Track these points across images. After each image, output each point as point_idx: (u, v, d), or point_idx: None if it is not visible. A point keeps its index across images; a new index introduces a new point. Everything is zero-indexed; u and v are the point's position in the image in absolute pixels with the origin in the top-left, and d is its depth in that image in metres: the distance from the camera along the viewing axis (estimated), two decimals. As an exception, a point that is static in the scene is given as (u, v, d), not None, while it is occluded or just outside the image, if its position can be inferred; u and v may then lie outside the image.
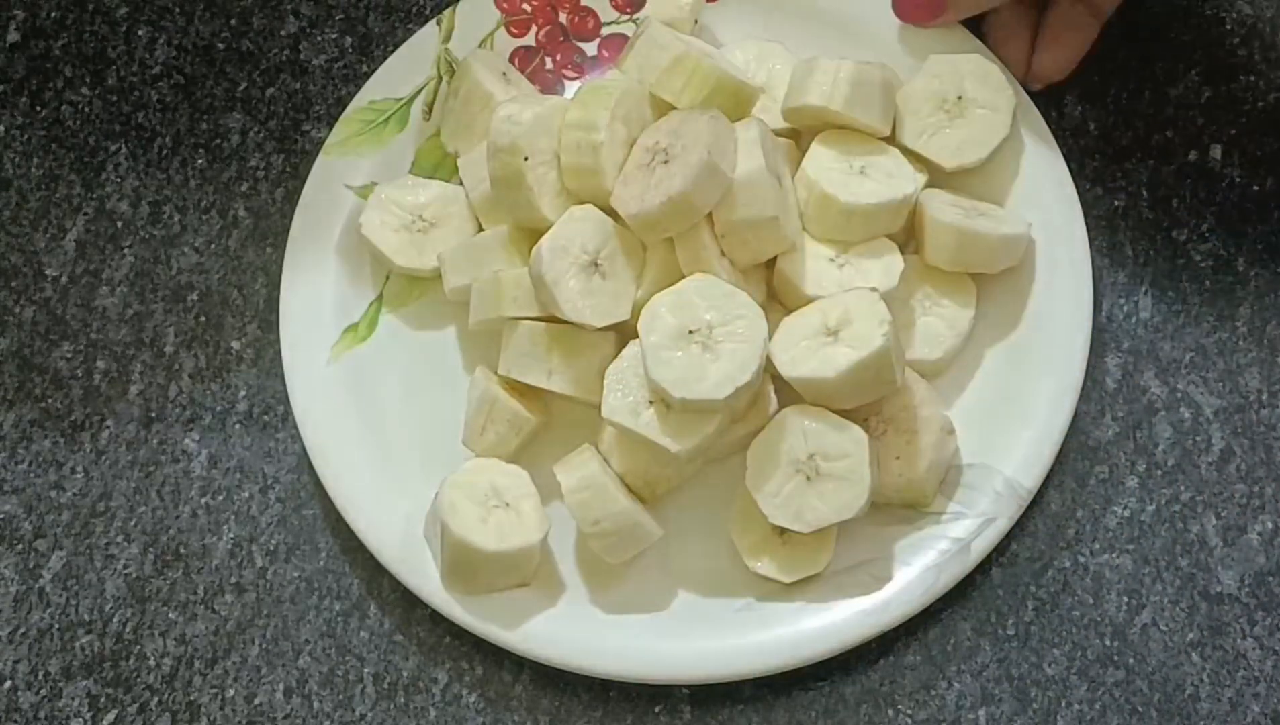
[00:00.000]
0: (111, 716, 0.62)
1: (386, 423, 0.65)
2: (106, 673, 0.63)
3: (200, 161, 0.71)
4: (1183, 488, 0.62)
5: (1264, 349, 0.63)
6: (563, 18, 0.70)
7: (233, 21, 0.73)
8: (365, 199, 0.66)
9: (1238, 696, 0.59)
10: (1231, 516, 0.61)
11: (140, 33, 0.73)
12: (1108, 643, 0.60)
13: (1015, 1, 0.65)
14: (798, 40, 0.67)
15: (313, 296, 0.66)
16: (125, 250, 0.69)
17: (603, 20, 0.70)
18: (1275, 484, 0.61)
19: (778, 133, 0.64)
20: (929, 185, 0.63)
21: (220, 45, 0.73)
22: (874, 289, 0.59)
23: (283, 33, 0.73)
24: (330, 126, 0.70)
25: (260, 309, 0.68)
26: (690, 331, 0.58)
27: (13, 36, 0.74)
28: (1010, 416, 0.61)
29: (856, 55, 0.63)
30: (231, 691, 0.62)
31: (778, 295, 0.62)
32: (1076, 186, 0.65)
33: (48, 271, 0.69)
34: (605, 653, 0.60)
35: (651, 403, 0.58)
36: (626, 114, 0.61)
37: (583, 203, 0.61)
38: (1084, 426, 0.63)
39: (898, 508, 0.60)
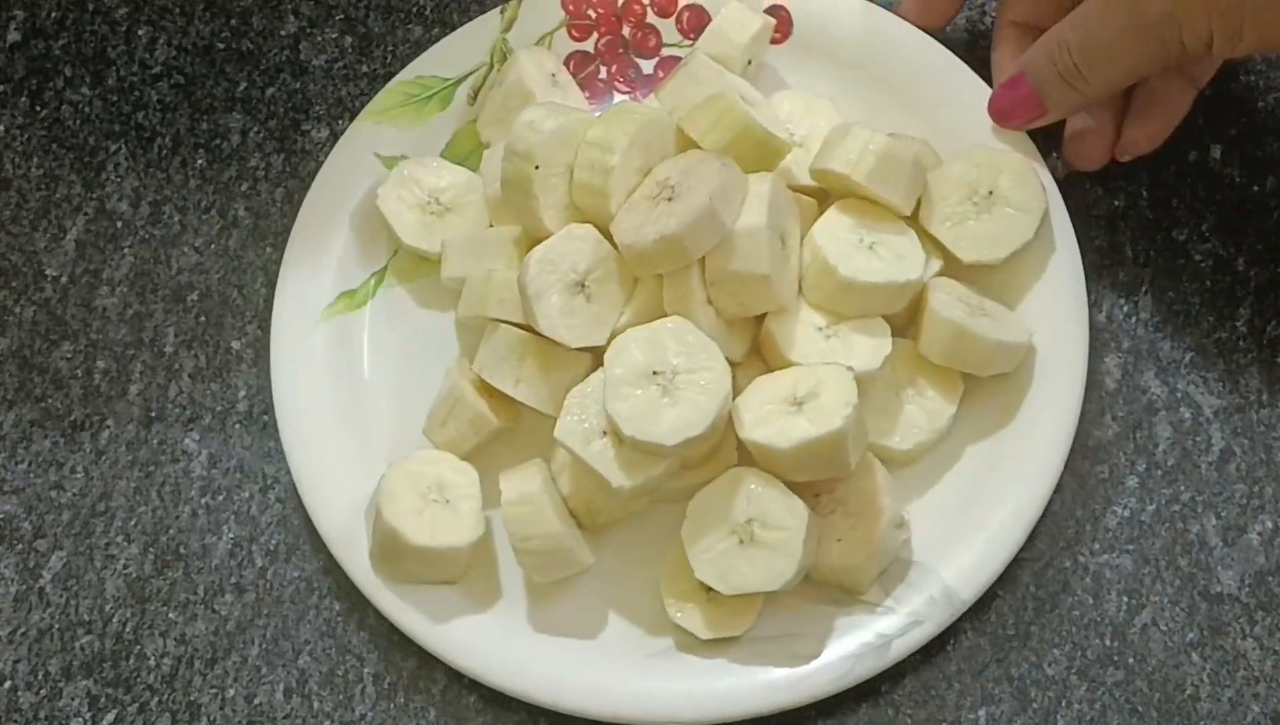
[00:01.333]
0: (111, 716, 0.62)
1: (361, 392, 0.65)
2: (106, 673, 0.63)
3: (200, 161, 0.71)
4: (1183, 488, 0.62)
5: (1264, 349, 0.63)
6: (626, 30, 0.70)
7: (233, 21, 0.73)
8: (391, 170, 0.67)
9: (1238, 696, 0.59)
10: (1231, 516, 0.61)
11: (140, 33, 0.73)
12: (1108, 643, 0.60)
13: None
14: (854, 98, 0.66)
15: (319, 253, 0.66)
16: (125, 250, 0.69)
17: (665, 41, 0.69)
18: (1275, 484, 0.61)
19: (806, 191, 0.63)
20: (944, 272, 0.62)
21: (220, 45, 0.73)
22: (850, 368, 0.57)
23: (283, 33, 0.73)
24: (330, 126, 0.70)
25: (260, 309, 0.68)
26: (655, 372, 0.57)
27: (13, 36, 0.74)
28: (966, 524, 0.60)
29: (907, 125, 0.63)
30: (231, 691, 0.62)
31: (762, 352, 0.61)
32: (1077, 186, 0.65)
33: (48, 271, 0.69)
34: (512, 670, 0.59)
35: (605, 433, 0.58)
36: (647, 142, 0.60)
37: (585, 221, 0.60)
38: (1084, 426, 0.62)
39: (833, 588, 0.60)
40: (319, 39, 0.72)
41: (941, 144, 0.64)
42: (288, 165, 0.70)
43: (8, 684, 0.63)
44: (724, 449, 0.60)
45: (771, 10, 0.67)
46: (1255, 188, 0.66)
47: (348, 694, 0.62)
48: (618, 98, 0.69)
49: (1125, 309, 0.64)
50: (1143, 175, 0.66)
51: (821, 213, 0.62)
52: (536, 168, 0.60)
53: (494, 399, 0.61)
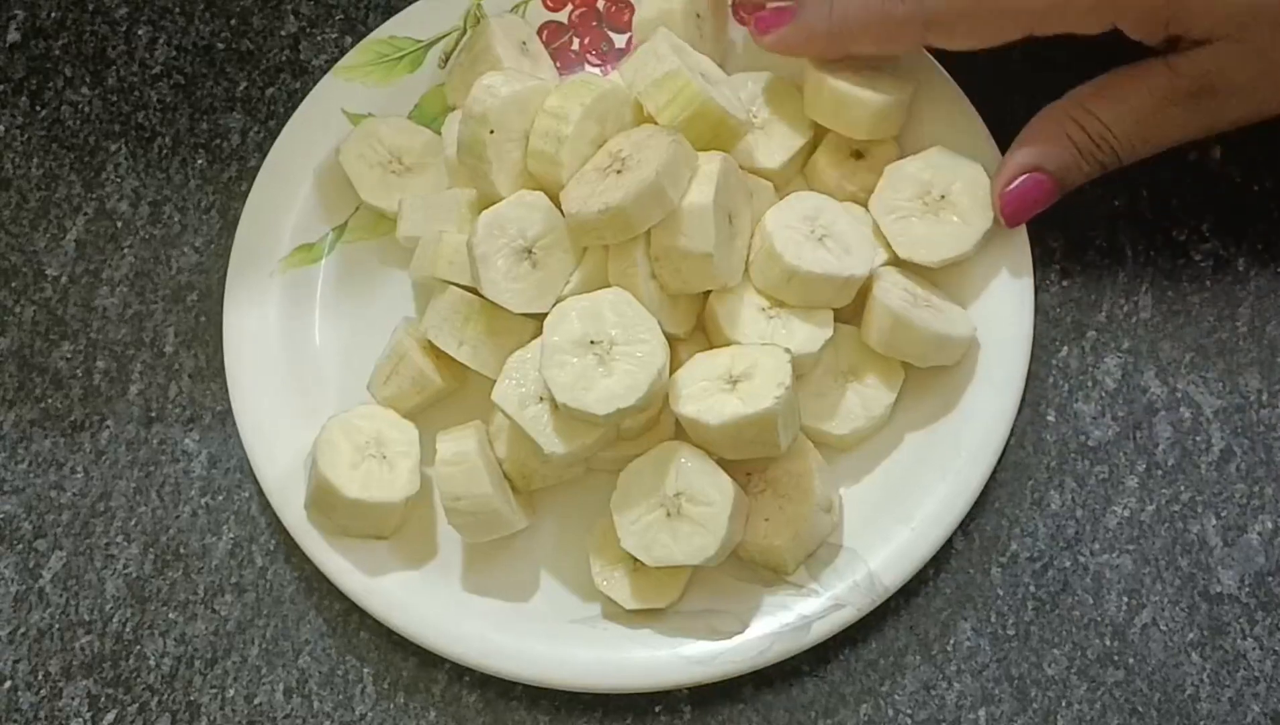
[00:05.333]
0: (111, 716, 0.62)
1: (312, 345, 0.66)
2: (106, 673, 0.63)
3: (200, 161, 0.71)
4: (1183, 488, 0.62)
5: (1264, 349, 0.63)
6: (600, 3, 0.70)
7: (233, 21, 0.73)
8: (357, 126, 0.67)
9: (1238, 696, 0.59)
10: (1231, 516, 0.61)
11: (140, 33, 0.73)
12: (1108, 643, 0.60)
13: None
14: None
15: (280, 205, 0.67)
16: (125, 250, 0.69)
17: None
18: (1275, 484, 0.61)
19: (763, 175, 0.63)
20: (891, 263, 0.62)
21: (220, 45, 0.73)
22: (787, 350, 0.58)
23: (283, 33, 0.73)
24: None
25: (260, 309, 0.68)
26: (592, 341, 0.57)
27: (13, 36, 0.74)
28: (895, 512, 0.60)
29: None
30: (231, 691, 0.62)
31: (705, 328, 0.61)
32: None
33: (48, 271, 0.69)
34: (436, 627, 0.60)
35: (542, 399, 0.58)
36: (604, 114, 0.60)
37: (539, 189, 0.60)
38: (1084, 426, 0.63)
39: (760, 567, 0.60)
40: (319, 39, 0.72)
41: (907, 140, 0.64)
42: (288, 165, 0.70)
43: (8, 684, 0.63)
44: (662, 423, 0.60)
45: None
46: (1255, 188, 0.66)
47: (348, 694, 0.62)
48: (589, 70, 0.69)
49: (1125, 309, 0.64)
50: (1143, 175, 0.66)
51: (780, 198, 0.62)
52: (491, 132, 0.60)
53: (440, 360, 0.62)
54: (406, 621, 0.60)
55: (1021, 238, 0.63)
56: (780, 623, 0.59)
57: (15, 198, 0.71)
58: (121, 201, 0.70)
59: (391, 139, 0.66)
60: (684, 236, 0.58)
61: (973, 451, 0.60)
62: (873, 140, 0.64)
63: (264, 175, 0.67)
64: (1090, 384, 0.63)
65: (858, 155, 0.64)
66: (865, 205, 0.63)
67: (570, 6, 0.70)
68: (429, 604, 0.61)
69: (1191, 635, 0.60)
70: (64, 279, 0.69)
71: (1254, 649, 0.59)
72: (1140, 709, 0.59)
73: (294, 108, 0.70)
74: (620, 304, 0.58)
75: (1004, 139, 0.63)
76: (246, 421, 0.64)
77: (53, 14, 0.74)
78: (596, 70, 0.69)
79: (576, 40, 0.70)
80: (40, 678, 0.63)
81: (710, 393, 0.58)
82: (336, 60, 0.71)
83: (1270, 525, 0.61)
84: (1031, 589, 0.61)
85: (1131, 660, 0.60)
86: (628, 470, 0.59)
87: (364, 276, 0.67)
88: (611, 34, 0.70)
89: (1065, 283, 0.65)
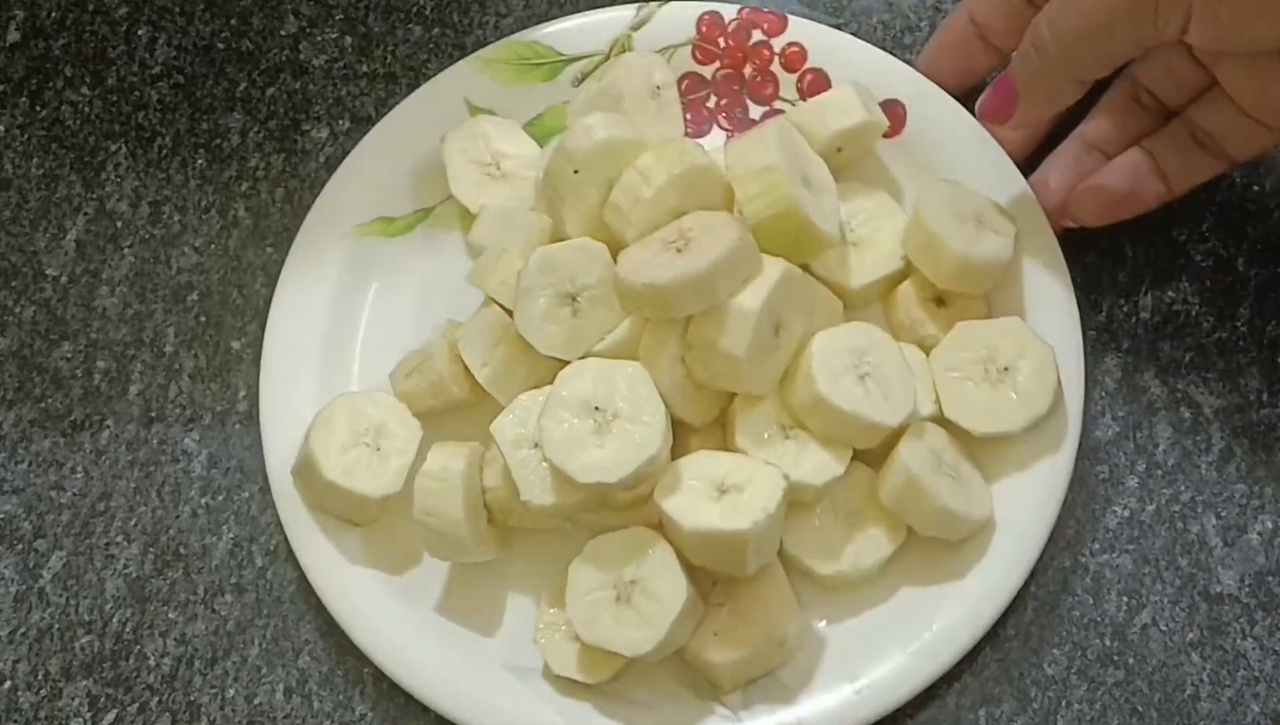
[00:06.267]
0: (111, 716, 0.62)
1: (360, 316, 0.65)
2: (106, 673, 0.63)
3: (200, 161, 0.71)
4: (1183, 488, 0.62)
5: (1264, 349, 0.63)
6: (748, 70, 0.68)
7: (233, 21, 0.73)
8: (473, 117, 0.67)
9: (1238, 696, 0.59)
10: (1231, 516, 0.61)
11: (140, 33, 0.73)
12: (1108, 643, 0.60)
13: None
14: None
15: (374, 173, 0.66)
16: (125, 250, 0.69)
17: (781, 94, 0.68)
18: (1275, 484, 0.61)
19: (840, 291, 0.61)
20: (936, 418, 0.60)
21: (220, 45, 0.73)
22: (786, 477, 0.56)
23: (283, 33, 0.73)
24: (330, 126, 0.70)
25: (260, 308, 0.68)
26: (597, 408, 0.56)
27: (13, 36, 0.74)
28: (846, 669, 0.58)
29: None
30: (231, 691, 0.62)
31: (724, 426, 0.60)
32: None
33: (48, 271, 0.69)
34: (383, 641, 0.60)
35: (536, 446, 0.57)
36: (689, 187, 0.59)
37: (606, 238, 0.60)
38: (1084, 426, 0.62)
39: (699, 676, 0.59)
40: (319, 39, 0.72)
41: (997, 301, 0.62)
42: (288, 165, 0.70)
43: (8, 684, 0.63)
44: (652, 505, 0.58)
45: (886, 105, 0.65)
46: (1255, 188, 0.66)
47: (348, 694, 0.62)
48: (716, 131, 0.68)
49: (1125, 309, 0.64)
50: (1143, 175, 0.66)
51: (849, 319, 0.61)
52: (575, 172, 0.59)
53: (464, 371, 0.61)
54: (357, 626, 0.60)
55: (1072, 442, 0.60)
56: None
57: (15, 198, 0.71)
58: (121, 201, 0.70)
59: (497, 141, 0.66)
60: (722, 335, 0.57)
61: (940, 636, 0.58)
62: (957, 290, 0.62)
63: (370, 139, 0.67)
64: (1090, 384, 0.63)
65: (940, 301, 0.62)
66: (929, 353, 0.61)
67: (718, 64, 0.68)
68: (381, 611, 0.60)
69: (1191, 635, 0.60)
70: (64, 279, 0.69)
71: (1254, 649, 0.59)
72: (1140, 709, 0.59)
73: (294, 108, 0.71)
74: (636, 380, 0.57)
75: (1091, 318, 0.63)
76: (270, 382, 0.64)
77: (53, 14, 0.74)
78: (725, 134, 0.68)
79: (714, 99, 0.68)
80: (40, 678, 0.63)
81: (695, 494, 0.56)
82: (337, 60, 0.71)
83: (1270, 525, 0.61)
84: (1031, 589, 0.61)
85: (1131, 660, 0.60)
86: (596, 541, 0.57)
87: (431, 266, 0.66)
88: (750, 103, 0.68)
89: (1065, 283, 0.65)
